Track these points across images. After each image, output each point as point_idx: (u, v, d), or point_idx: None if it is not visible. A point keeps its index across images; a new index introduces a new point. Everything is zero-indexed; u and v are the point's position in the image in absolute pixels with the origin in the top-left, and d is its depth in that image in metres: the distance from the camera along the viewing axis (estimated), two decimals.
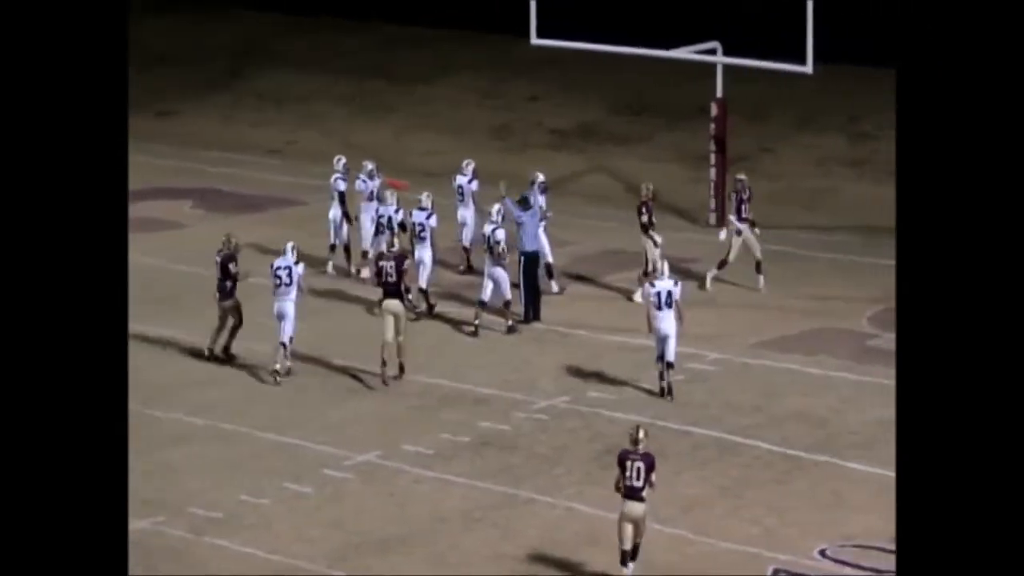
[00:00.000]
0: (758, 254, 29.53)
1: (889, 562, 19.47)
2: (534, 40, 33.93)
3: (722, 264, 29.60)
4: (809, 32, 30.55)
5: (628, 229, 30.60)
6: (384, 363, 25.52)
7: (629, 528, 18.83)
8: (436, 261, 29.07)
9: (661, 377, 24.89)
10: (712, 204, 33.69)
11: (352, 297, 29.69)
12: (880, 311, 28.29)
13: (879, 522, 20.35)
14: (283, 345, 25.74)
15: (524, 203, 28.60)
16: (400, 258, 26.16)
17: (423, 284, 28.65)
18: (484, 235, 27.89)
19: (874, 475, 22.04)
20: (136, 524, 19.47)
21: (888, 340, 26.93)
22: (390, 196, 29.39)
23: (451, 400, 25.27)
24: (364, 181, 30.79)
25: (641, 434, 18.83)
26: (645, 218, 28.82)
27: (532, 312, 28.18)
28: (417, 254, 28.52)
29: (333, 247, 30.76)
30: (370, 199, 30.64)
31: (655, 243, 28.53)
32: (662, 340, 24.57)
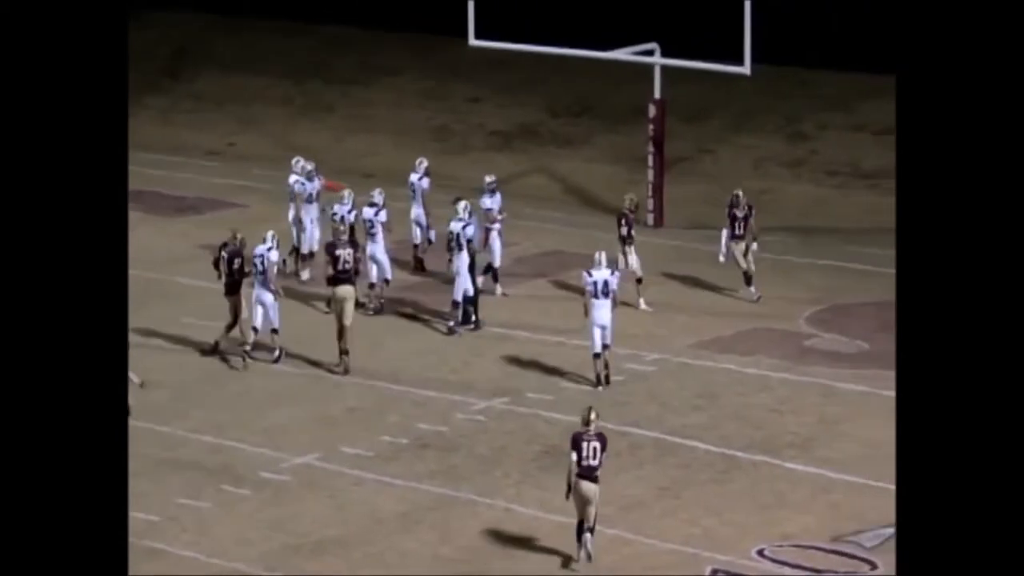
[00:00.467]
0: (744, 266, 29.13)
1: (828, 562, 19.67)
2: (472, 42, 33.93)
3: (748, 279, 29.26)
4: (747, 33, 30.72)
5: (569, 230, 30.61)
6: (346, 352, 25.85)
7: (588, 508, 19.10)
8: (389, 258, 29.08)
9: (597, 366, 25.07)
10: (650, 205, 33.79)
11: (299, 296, 29.54)
12: (817, 311, 28.49)
13: (816, 522, 20.52)
14: (274, 331, 26.45)
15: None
16: (355, 245, 26.76)
17: (373, 280, 28.66)
18: (452, 232, 27.69)
19: (811, 475, 22.19)
20: None
21: (827, 340, 27.21)
22: (347, 195, 29.19)
23: (390, 402, 25.21)
24: (303, 183, 30.66)
25: (593, 415, 19.16)
26: (624, 231, 28.86)
27: (472, 313, 28.12)
28: (369, 250, 28.51)
29: (295, 250, 30.61)
30: (309, 200, 30.52)
31: (626, 262, 28.47)
32: (600, 328, 24.81)
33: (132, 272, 28.57)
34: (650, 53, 33.64)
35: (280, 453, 23.24)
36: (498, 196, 30.22)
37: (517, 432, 23.95)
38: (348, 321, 25.93)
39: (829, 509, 21.29)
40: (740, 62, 31.17)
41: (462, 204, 28.15)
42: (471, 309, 27.94)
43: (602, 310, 24.72)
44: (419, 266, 30.90)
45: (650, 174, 34.07)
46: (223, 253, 26.53)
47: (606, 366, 25.19)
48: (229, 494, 21.97)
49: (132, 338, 26.50)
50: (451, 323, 27.86)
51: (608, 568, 19.65)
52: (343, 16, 49.11)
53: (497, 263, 29.76)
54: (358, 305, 26.96)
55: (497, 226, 29.63)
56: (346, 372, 26.03)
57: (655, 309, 28.93)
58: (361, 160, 38.75)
